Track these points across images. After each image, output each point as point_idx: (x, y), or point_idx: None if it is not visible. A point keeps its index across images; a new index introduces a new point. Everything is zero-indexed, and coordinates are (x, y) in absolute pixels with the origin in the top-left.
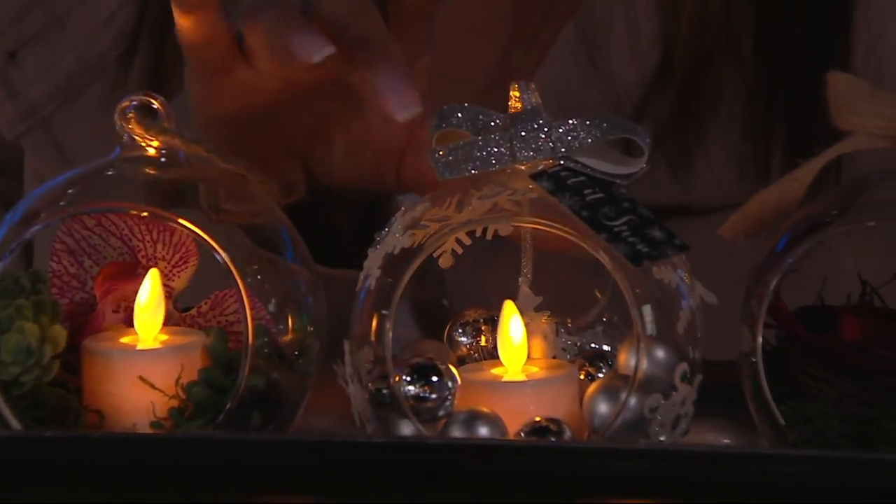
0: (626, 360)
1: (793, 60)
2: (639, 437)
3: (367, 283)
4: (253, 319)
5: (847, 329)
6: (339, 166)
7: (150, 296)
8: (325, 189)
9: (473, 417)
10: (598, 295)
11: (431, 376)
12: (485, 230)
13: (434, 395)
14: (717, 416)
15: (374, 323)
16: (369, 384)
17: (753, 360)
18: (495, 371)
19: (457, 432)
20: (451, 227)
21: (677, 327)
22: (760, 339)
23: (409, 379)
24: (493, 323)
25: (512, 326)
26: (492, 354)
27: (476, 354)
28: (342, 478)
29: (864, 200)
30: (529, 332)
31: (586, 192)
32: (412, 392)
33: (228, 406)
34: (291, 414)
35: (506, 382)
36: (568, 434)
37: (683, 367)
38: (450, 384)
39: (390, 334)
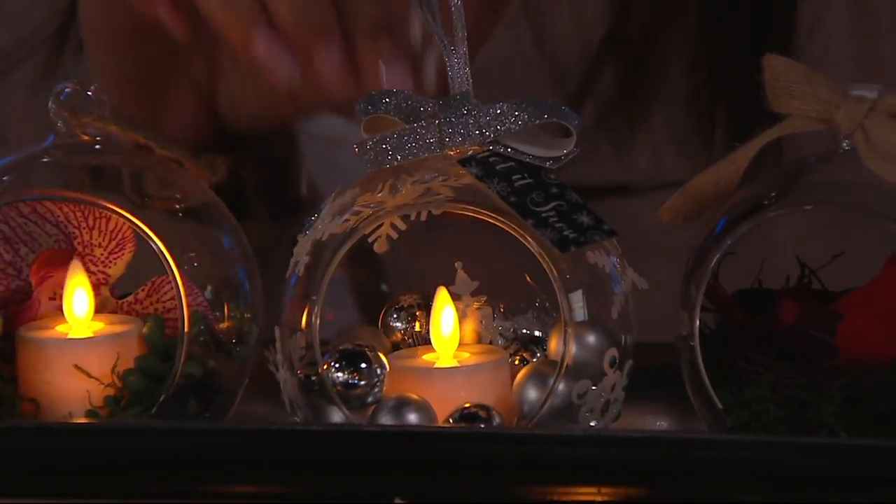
0: (557, 345)
1: (736, 36)
2: (567, 423)
3: (296, 269)
4: (188, 307)
5: (785, 312)
6: (242, 97)
7: (81, 294)
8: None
9: (402, 404)
10: (529, 280)
11: (360, 363)
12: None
13: (363, 382)
14: (655, 400)
15: (305, 310)
16: (299, 371)
17: (691, 343)
18: (427, 357)
19: (386, 419)
20: (386, 210)
21: (609, 312)
22: (698, 323)
23: (337, 366)
24: (427, 308)
25: (444, 315)
26: (426, 340)
27: (410, 340)
28: (280, 465)
29: (802, 183)
30: (463, 318)
31: (515, 177)
32: (340, 379)
33: (164, 394)
34: (229, 401)
35: (437, 369)
36: (497, 420)
37: (612, 352)
38: (378, 371)
39: (318, 321)
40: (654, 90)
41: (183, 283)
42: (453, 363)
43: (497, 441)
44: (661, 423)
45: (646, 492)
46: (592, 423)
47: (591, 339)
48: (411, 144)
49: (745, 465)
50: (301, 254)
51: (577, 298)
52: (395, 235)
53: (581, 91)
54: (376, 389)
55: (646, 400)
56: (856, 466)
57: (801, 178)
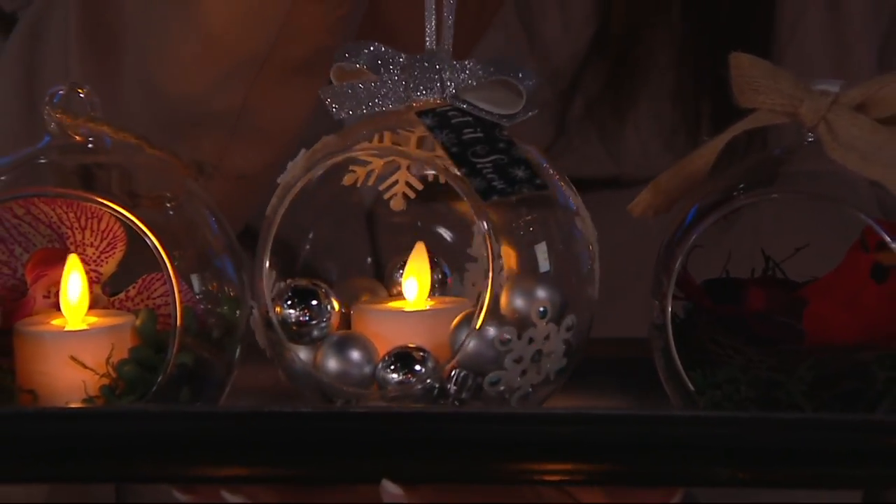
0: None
1: (719, 33)
2: (495, 369)
3: (268, 211)
4: (182, 301)
5: (753, 299)
6: None
7: (77, 286)
8: None
9: (345, 340)
10: None
11: (311, 300)
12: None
13: (312, 319)
14: (626, 392)
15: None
16: (264, 311)
17: (664, 331)
18: (393, 304)
19: (329, 354)
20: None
21: (570, 268)
22: (670, 311)
23: (290, 303)
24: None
25: (418, 267)
26: None
27: None
28: (271, 448)
29: (769, 174)
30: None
31: (466, 130)
32: (293, 316)
33: (160, 380)
34: (219, 391)
35: (391, 311)
36: (430, 362)
37: (543, 304)
38: (328, 308)
39: (267, 261)
40: (640, 85)
41: (176, 279)
42: (408, 308)
43: (476, 420)
44: None
45: (620, 468)
46: (523, 371)
47: (523, 289)
48: (377, 94)
49: (717, 440)
50: (273, 196)
51: (542, 250)
52: (411, 194)
53: (572, 88)
54: (323, 325)
55: (617, 391)
56: (824, 440)
57: (769, 170)
